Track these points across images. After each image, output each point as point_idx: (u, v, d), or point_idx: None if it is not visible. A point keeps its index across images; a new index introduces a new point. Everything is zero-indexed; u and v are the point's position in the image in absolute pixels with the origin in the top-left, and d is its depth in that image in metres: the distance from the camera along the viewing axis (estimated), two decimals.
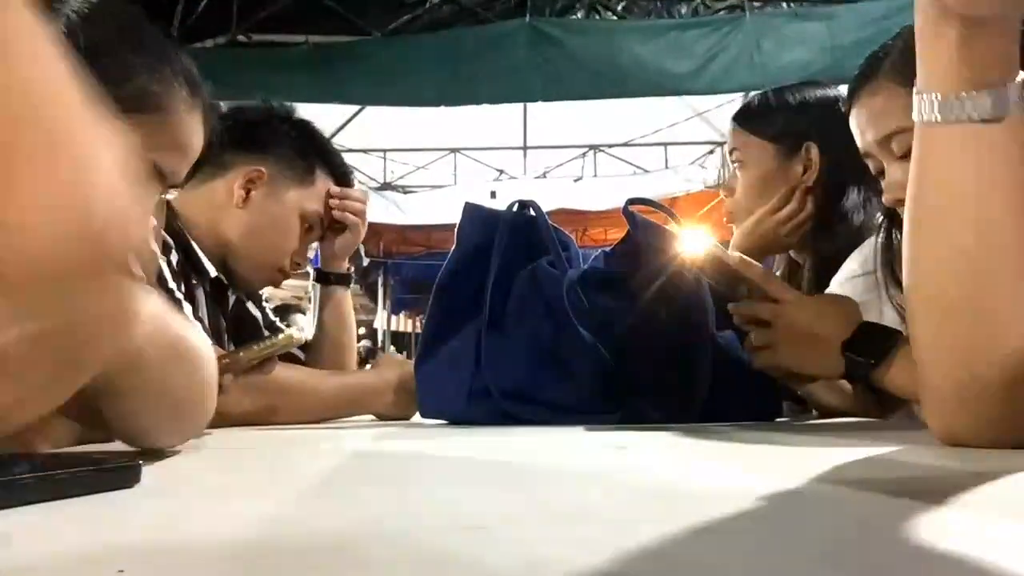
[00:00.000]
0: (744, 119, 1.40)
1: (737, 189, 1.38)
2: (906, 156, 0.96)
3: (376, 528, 0.32)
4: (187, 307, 1.09)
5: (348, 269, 1.44)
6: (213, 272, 1.24)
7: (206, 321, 1.18)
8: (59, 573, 0.25)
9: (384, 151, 7.10)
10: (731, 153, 1.41)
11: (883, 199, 1.02)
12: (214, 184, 1.26)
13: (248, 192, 1.27)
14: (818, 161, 1.33)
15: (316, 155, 1.33)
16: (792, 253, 1.41)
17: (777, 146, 1.35)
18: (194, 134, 0.92)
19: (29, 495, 0.37)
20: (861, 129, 1.02)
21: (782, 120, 1.36)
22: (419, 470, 0.54)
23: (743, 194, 1.37)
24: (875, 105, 0.99)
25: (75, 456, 0.49)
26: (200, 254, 1.23)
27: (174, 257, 1.18)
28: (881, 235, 1.11)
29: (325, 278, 1.40)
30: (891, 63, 0.99)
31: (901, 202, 0.98)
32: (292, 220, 1.29)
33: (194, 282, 1.21)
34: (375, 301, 9.26)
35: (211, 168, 1.25)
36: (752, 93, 1.49)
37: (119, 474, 0.42)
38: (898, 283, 0.98)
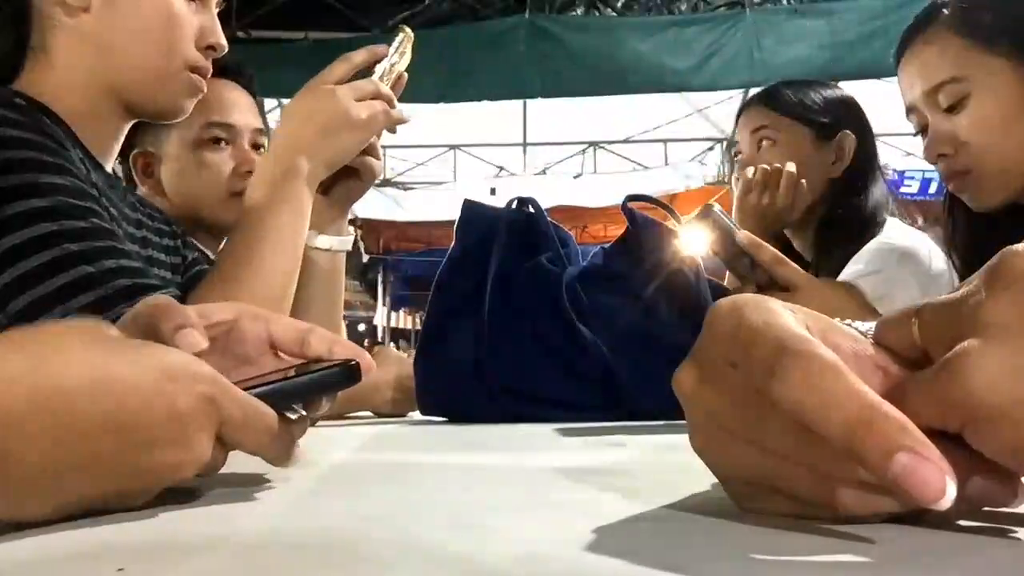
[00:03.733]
0: (780, 100, 1.35)
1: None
2: (952, 108, 0.97)
3: (376, 526, 0.32)
4: None
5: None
6: (212, 256, 1.26)
7: None
8: (59, 571, 0.25)
9: (383, 147, 7.08)
10: (758, 131, 1.35)
11: (924, 155, 1.01)
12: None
13: (148, 172, 1.29)
14: (851, 152, 1.30)
15: None
16: (794, 240, 1.37)
17: (814, 131, 1.32)
18: None
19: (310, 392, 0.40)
20: (910, 80, 1.02)
21: (822, 105, 1.34)
22: (419, 468, 0.54)
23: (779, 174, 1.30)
24: (928, 54, 0.99)
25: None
26: (196, 243, 1.25)
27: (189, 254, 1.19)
28: (945, 218, 1.09)
29: None
30: (949, 13, 0.99)
31: (943, 157, 0.98)
32: (188, 158, 1.28)
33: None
34: (375, 298, 9.27)
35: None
36: (769, 84, 1.45)
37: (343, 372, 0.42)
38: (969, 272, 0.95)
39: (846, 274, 1.22)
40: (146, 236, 0.95)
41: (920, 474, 0.23)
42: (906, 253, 1.21)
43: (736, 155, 1.44)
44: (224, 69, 1.27)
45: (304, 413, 0.41)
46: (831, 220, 1.30)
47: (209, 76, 0.91)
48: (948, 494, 0.23)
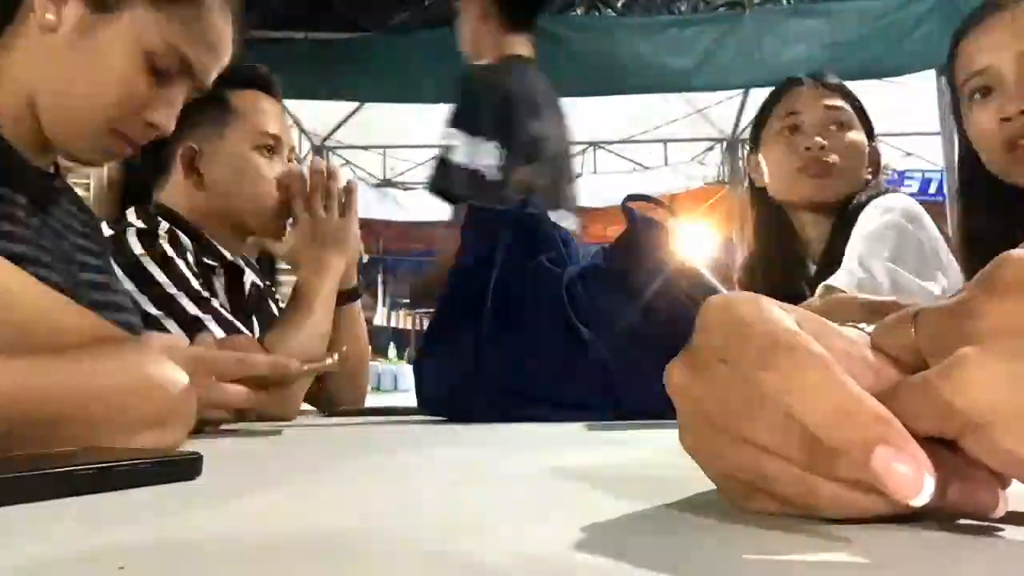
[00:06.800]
0: (847, 92, 1.44)
1: (840, 148, 1.37)
2: None
3: (375, 526, 0.32)
4: (212, 324, 1.09)
5: (355, 283, 1.33)
6: (229, 256, 1.26)
7: (226, 309, 1.18)
8: (59, 571, 0.25)
9: (384, 147, 7.08)
10: (833, 110, 1.39)
11: (994, 114, 1.01)
12: (171, 175, 1.28)
13: (193, 167, 1.27)
14: (879, 164, 1.41)
15: (223, 86, 1.08)
16: (807, 224, 1.41)
17: (866, 133, 1.42)
18: (225, 35, 0.90)
19: (88, 486, 0.38)
20: (999, 38, 1.01)
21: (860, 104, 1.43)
22: (419, 468, 0.54)
23: (851, 154, 1.38)
24: None
25: (135, 449, 0.49)
26: (213, 242, 1.25)
27: (190, 257, 1.19)
28: (959, 201, 1.11)
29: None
30: None
31: (1007, 122, 0.97)
32: (247, 161, 1.26)
33: (213, 273, 1.23)
34: (374, 298, 9.28)
35: (162, 162, 1.29)
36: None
37: (180, 466, 0.43)
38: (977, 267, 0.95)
39: (871, 224, 1.26)
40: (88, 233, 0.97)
41: (898, 468, 0.23)
42: (907, 212, 1.26)
43: (794, 126, 1.41)
44: (268, 84, 1.33)
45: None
46: (852, 210, 1.35)
47: (138, 146, 0.88)
48: (926, 490, 0.23)
